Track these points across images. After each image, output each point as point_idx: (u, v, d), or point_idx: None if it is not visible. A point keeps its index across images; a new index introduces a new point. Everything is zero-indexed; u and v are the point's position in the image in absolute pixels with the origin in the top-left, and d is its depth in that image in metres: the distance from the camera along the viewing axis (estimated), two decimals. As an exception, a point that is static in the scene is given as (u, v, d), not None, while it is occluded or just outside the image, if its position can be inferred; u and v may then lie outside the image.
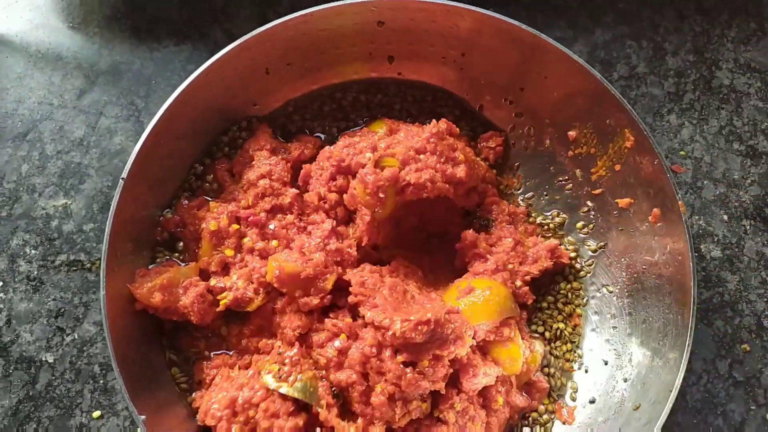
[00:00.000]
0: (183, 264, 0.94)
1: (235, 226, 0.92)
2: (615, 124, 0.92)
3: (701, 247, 1.07)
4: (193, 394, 0.89)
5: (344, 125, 1.07)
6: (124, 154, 1.07)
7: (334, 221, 0.93)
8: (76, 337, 0.98)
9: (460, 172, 0.91)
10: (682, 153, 1.12)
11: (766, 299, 1.04)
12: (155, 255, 0.94)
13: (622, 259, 0.96)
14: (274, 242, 0.91)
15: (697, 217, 1.09)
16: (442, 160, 0.91)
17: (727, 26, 1.20)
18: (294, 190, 0.96)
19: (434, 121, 0.95)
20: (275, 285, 0.86)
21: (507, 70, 0.99)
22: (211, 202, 0.96)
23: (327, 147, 0.99)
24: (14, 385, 0.96)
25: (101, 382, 0.96)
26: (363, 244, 0.93)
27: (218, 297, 0.88)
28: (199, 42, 1.15)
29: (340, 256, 0.90)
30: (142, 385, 0.82)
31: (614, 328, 0.95)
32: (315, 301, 0.86)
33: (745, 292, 1.04)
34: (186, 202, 0.96)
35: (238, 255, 0.92)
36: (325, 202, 0.95)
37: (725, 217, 1.09)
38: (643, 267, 0.93)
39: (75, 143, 1.08)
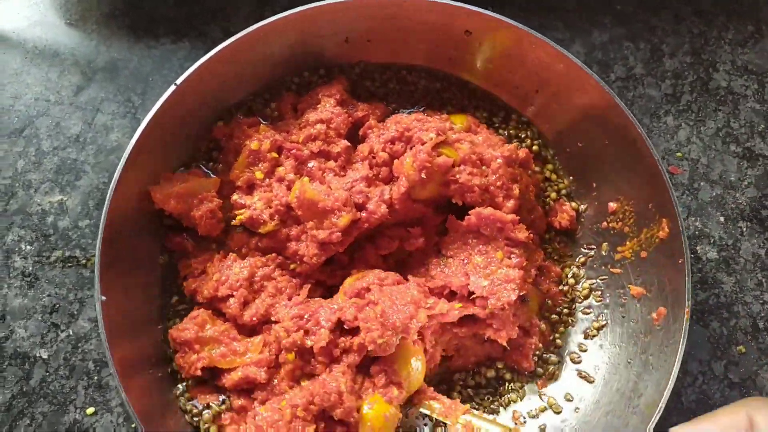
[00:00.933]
0: (211, 175, 0.97)
1: (274, 154, 0.94)
2: (656, 210, 0.89)
3: (697, 248, 1.07)
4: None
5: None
6: (120, 151, 1.07)
7: (371, 170, 0.93)
8: (71, 333, 0.98)
9: (508, 204, 0.91)
10: (678, 154, 1.12)
11: (761, 301, 1.04)
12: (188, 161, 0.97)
13: (617, 329, 0.96)
14: (305, 178, 0.92)
15: (693, 219, 1.09)
16: (498, 183, 0.91)
17: (724, 28, 1.20)
18: (346, 142, 0.96)
19: (515, 144, 0.97)
20: (294, 206, 0.88)
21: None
22: (262, 125, 0.98)
23: (398, 114, 1.00)
24: (8, 381, 0.96)
25: (95, 378, 0.96)
26: (390, 205, 0.92)
27: (236, 212, 0.92)
28: (197, 40, 1.15)
29: (364, 199, 0.90)
30: (138, 383, 0.81)
31: (605, 327, 0.97)
32: (323, 234, 0.87)
33: (741, 293, 1.04)
34: (241, 117, 0.99)
35: (267, 180, 0.94)
36: (374, 157, 0.94)
37: (721, 219, 1.09)
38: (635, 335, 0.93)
39: (71, 140, 1.08)
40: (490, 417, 0.86)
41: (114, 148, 1.08)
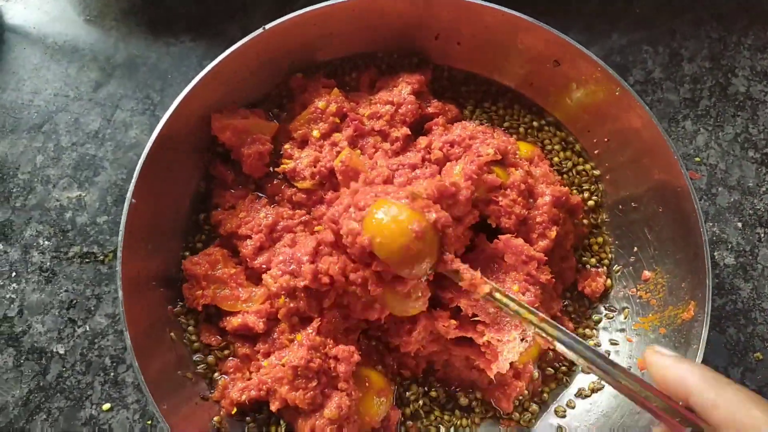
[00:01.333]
0: (272, 120, 1.00)
1: (337, 120, 0.96)
2: (688, 290, 0.88)
3: (715, 254, 1.07)
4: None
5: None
6: (139, 148, 1.07)
7: (421, 163, 0.93)
8: (88, 329, 0.98)
9: (541, 243, 0.89)
10: (697, 159, 1.12)
11: (779, 308, 1.04)
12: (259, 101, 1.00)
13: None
14: (357, 151, 0.93)
15: (711, 224, 1.08)
16: (539, 220, 0.90)
17: (743, 33, 1.20)
18: (406, 130, 0.96)
19: (568, 189, 0.96)
20: (337, 170, 0.90)
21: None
22: (335, 89, 0.98)
23: (465, 122, 1.01)
24: (25, 376, 0.96)
25: (112, 374, 0.96)
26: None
27: (282, 161, 0.96)
28: (216, 38, 1.15)
29: (405, 178, 0.89)
30: (160, 380, 0.81)
31: (600, 391, 0.95)
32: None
33: (759, 300, 1.04)
34: (322, 76, 1.01)
35: (322, 141, 0.96)
36: (429, 152, 0.94)
37: (739, 225, 1.08)
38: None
39: (90, 135, 1.09)
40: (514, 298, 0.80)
41: (132, 145, 1.08)
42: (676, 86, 1.16)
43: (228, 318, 0.90)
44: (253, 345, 0.90)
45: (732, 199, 1.10)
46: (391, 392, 0.90)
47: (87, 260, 1.02)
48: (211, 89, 0.90)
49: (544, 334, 0.72)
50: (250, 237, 0.92)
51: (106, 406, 0.95)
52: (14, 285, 1.00)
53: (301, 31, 0.94)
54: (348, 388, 0.82)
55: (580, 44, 0.92)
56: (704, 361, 0.99)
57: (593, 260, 1.01)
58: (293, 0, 1.16)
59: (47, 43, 1.14)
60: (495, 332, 0.83)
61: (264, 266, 0.90)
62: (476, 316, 0.84)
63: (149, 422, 0.94)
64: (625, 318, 0.97)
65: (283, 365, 0.81)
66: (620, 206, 1.00)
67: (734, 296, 1.04)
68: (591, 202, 1.02)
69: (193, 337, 0.91)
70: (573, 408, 0.94)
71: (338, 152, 0.93)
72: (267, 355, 0.87)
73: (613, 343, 0.96)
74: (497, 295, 0.78)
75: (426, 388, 0.95)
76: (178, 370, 0.87)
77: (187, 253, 0.94)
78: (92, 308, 0.99)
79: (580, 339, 0.70)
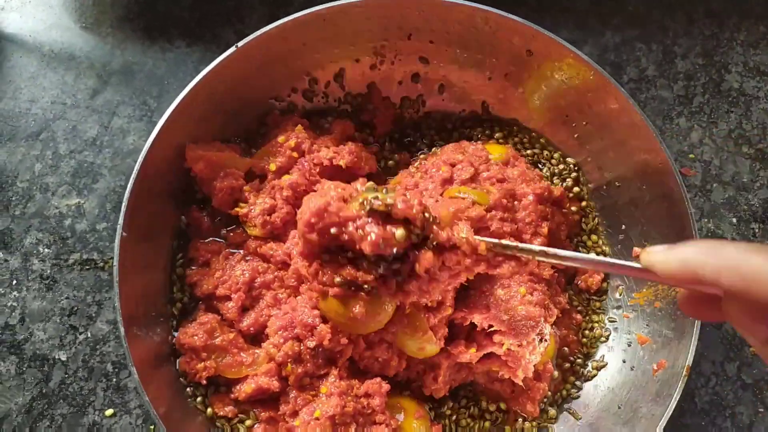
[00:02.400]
0: (246, 156, 0.98)
1: (295, 155, 0.95)
2: None
3: (710, 249, 1.07)
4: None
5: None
6: (137, 154, 1.06)
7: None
8: (89, 335, 0.99)
9: (536, 241, 0.89)
10: (691, 156, 1.13)
11: (774, 302, 1.04)
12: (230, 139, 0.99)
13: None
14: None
15: (706, 220, 1.09)
16: (528, 220, 0.90)
17: (736, 29, 1.21)
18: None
19: (548, 183, 0.96)
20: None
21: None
22: (300, 126, 0.97)
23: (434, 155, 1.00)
24: (28, 383, 0.97)
25: (114, 380, 0.97)
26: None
27: (239, 204, 0.94)
28: (212, 43, 1.16)
29: None
30: (156, 384, 0.82)
31: (604, 368, 0.97)
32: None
33: (754, 294, 1.05)
34: (298, 117, 1.01)
35: (273, 182, 0.94)
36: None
37: (734, 221, 1.09)
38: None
39: (88, 143, 1.09)
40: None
41: (130, 151, 1.09)
42: (669, 83, 1.17)
43: (239, 387, 0.87)
44: (274, 407, 0.87)
45: (727, 195, 1.11)
46: (427, 412, 0.90)
47: (87, 267, 1.02)
48: (183, 125, 0.89)
49: (554, 260, 0.70)
50: (230, 298, 0.89)
51: (109, 411, 0.96)
52: (15, 293, 1.01)
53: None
54: (386, 418, 0.82)
55: (572, 44, 0.92)
56: (701, 356, 1.01)
57: (591, 254, 1.01)
58: (288, 3, 1.17)
59: (43, 51, 1.15)
60: (513, 338, 0.84)
61: (252, 329, 0.88)
62: (492, 326, 0.85)
63: (152, 427, 0.95)
64: (620, 295, 0.98)
65: (318, 419, 0.80)
66: (605, 188, 1.00)
67: (730, 291, 1.05)
68: (576, 189, 1.02)
69: (209, 410, 0.88)
70: (580, 389, 0.96)
71: (293, 191, 0.91)
72: (294, 414, 0.84)
73: (611, 320, 0.98)
74: (497, 249, 0.74)
75: (458, 403, 0.96)
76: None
77: (174, 322, 0.92)
78: (93, 315, 1.00)
79: (581, 254, 0.69)
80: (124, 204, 0.82)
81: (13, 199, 1.06)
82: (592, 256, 0.66)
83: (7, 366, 0.97)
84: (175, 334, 0.89)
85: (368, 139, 1.06)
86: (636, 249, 0.86)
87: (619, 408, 0.90)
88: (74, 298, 1.01)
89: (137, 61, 1.14)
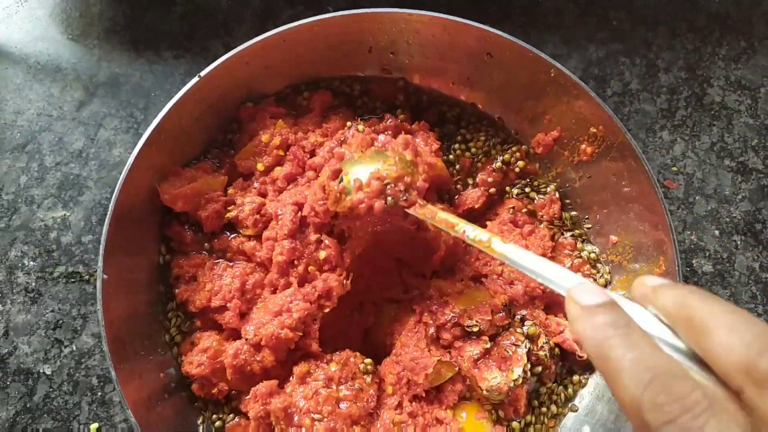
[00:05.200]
0: (218, 168, 0.98)
1: (281, 152, 0.96)
2: (654, 247, 0.89)
3: (693, 261, 1.09)
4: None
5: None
6: (123, 166, 1.07)
7: None
8: (74, 348, 0.99)
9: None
10: (674, 169, 1.14)
11: (756, 313, 1.06)
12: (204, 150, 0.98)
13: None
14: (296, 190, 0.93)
15: (689, 233, 1.11)
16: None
17: (718, 44, 1.23)
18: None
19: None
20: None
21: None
22: (280, 121, 0.98)
23: None
24: (11, 397, 0.96)
25: (99, 394, 0.97)
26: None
27: (228, 208, 0.94)
28: (199, 55, 1.16)
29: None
30: (141, 396, 0.82)
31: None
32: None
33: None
34: (272, 101, 1.00)
35: (262, 178, 0.95)
36: None
37: (716, 233, 1.11)
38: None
39: (74, 155, 1.09)
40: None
41: (117, 164, 1.08)
42: (652, 97, 1.19)
43: (247, 401, 0.86)
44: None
45: (709, 208, 1.12)
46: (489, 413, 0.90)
47: (72, 280, 1.02)
48: (153, 154, 0.88)
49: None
50: (226, 308, 0.89)
51: (94, 426, 0.95)
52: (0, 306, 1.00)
53: (242, 68, 0.92)
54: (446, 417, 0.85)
55: (558, 58, 0.93)
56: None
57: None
58: (275, 16, 1.17)
59: (30, 63, 1.15)
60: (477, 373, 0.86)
61: (262, 340, 0.85)
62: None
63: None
64: (604, 286, 0.98)
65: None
66: (572, 175, 1.01)
67: (712, 303, 1.06)
68: (521, 163, 1.03)
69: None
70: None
71: (278, 188, 0.93)
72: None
73: None
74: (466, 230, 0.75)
75: None
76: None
77: (175, 349, 0.92)
78: (78, 328, 1.00)
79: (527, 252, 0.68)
80: (107, 219, 0.81)
81: (-2, 211, 1.05)
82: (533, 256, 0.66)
83: (-9, 380, 0.97)
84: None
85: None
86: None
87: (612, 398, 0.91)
88: (59, 311, 1.00)
89: (124, 73, 1.14)
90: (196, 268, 0.93)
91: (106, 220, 0.81)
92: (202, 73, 0.87)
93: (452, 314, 0.87)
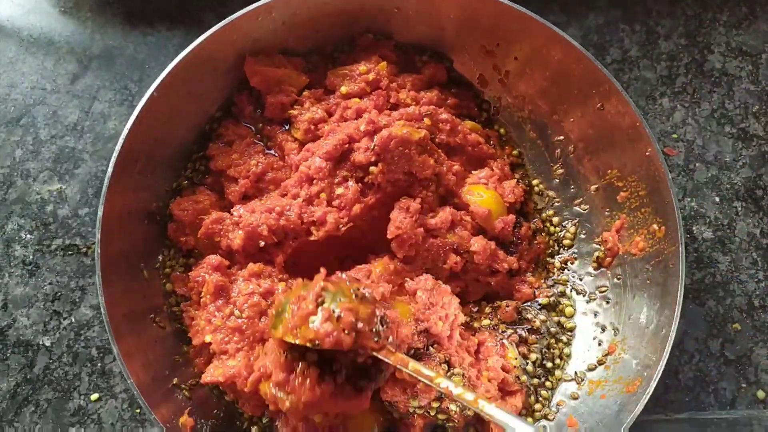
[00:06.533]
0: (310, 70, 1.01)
1: (368, 89, 0.98)
2: (653, 213, 0.90)
3: (693, 228, 1.08)
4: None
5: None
6: (118, 139, 1.06)
7: None
8: (73, 320, 0.99)
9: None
10: (674, 136, 1.13)
11: (756, 279, 1.05)
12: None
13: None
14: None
15: (689, 199, 1.10)
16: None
17: (719, 10, 1.21)
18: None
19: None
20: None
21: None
22: (384, 63, 0.99)
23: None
24: (12, 369, 0.96)
25: (99, 365, 0.97)
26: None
27: (294, 106, 0.98)
28: (193, 27, 1.15)
29: None
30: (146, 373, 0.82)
31: (601, 307, 0.97)
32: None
33: (737, 272, 1.06)
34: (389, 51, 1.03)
35: (339, 101, 0.97)
36: None
37: (717, 199, 1.10)
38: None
39: (69, 128, 1.08)
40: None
41: (112, 136, 1.08)
42: (652, 64, 1.17)
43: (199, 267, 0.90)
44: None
45: (709, 174, 1.11)
46: None
47: (70, 252, 1.02)
48: (148, 126, 0.87)
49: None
50: (236, 181, 0.94)
51: (95, 396, 0.95)
52: (-3, 279, 1.00)
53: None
54: None
55: (557, 25, 0.92)
56: (685, 334, 1.01)
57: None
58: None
59: (22, 36, 1.13)
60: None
61: (241, 219, 0.90)
62: None
63: (138, 410, 0.95)
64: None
65: None
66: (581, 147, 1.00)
67: (713, 269, 1.06)
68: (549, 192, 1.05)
69: (167, 285, 0.93)
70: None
71: (344, 117, 0.94)
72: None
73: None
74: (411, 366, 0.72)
75: None
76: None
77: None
78: (77, 300, 0.99)
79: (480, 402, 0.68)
80: (104, 190, 0.81)
81: (-6, 185, 1.05)
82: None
83: (-9, 352, 0.97)
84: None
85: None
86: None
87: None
88: (57, 283, 1.00)
89: (118, 46, 1.13)
90: (238, 137, 0.97)
91: (102, 192, 0.81)
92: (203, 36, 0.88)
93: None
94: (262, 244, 0.89)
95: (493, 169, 1.00)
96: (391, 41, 1.03)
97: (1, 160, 1.06)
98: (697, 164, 1.12)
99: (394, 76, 1.01)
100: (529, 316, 0.96)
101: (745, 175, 1.11)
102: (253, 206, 0.91)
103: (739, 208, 1.10)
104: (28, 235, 1.02)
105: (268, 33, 0.94)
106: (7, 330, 0.98)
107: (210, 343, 0.85)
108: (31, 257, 1.01)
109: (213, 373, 0.83)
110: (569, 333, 0.98)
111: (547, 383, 0.94)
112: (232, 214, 0.91)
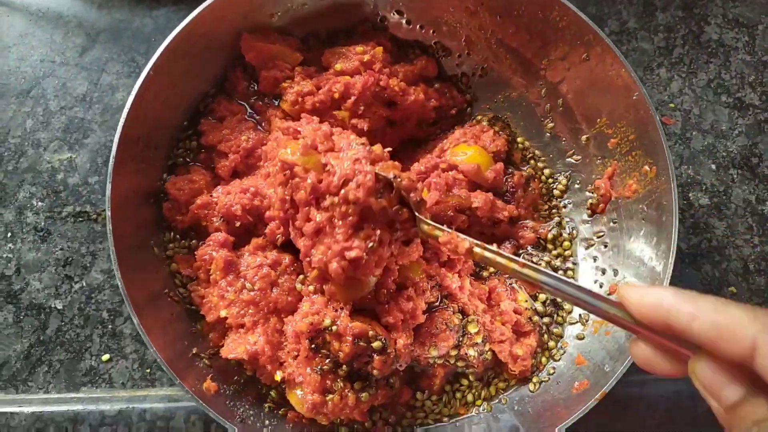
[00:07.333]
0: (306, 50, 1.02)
1: (361, 69, 0.98)
2: (643, 156, 0.91)
3: (690, 195, 1.10)
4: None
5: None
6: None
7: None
8: (84, 284, 1.01)
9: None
10: (671, 105, 1.15)
11: (752, 244, 1.08)
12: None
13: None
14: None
15: (686, 167, 1.12)
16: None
17: (715, -18, 1.23)
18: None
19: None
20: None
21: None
22: (380, 48, 0.99)
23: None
24: (25, 331, 0.99)
25: (109, 327, 0.99)
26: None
27: (285, 81, 0.99)
28: (197, 2, 1.16)
29: None
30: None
31: (599, 251, 0.99)
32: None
33: (732, 237, 1.08)
34: (386, 40, 1.03)
35: (332, 77, 0.98)
36: None
37: (713, 167, 1.12)
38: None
39: (78, 99, 1.11)
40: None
41: (120, 107, 1.10)
42: (650, 35, 1.19)
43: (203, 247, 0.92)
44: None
45: (706, 143, 1.13)
46: None
47: (80, 219, 1.04)
48: (169, 76, 0.90)
49: (529, 279, 0.69)
50: (227, 157, 0.95)
51: (105, 356, 0.98)
52: (10, 245, 1.03)
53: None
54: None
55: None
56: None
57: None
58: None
59: (31, 11, 1.16)
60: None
61: (227, 203, 0.90)
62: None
63: (148, 370, 0.98)
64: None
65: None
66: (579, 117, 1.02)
67: (709, 235, 1.08)
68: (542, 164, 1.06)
69: (172, 266, 0.93)
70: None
71: (331, 92, 0.95)
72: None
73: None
74: (477, 250, 0.74)
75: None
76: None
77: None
78: (88, 265, 1.02)
79: (562, 277, 0.67)
80: (111, 158, 0.83)
81: (6, 154, 1.07)
82: (570, 281, 0.65)
83: (5, 315, 1.00)
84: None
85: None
86: (613, 284, 0.90)
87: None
88: (68, 249, 1.03)
89: (124, 19, 1.16)
90: (230, 113, 0.98)
91: (110, 161, 0.83)
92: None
93: None
94: (237, 224, 0.90)
95: (464, 126, 1.03)
96: (388, 31, 1.04)
97: (12, 130, 1.08)
98: (693, 133, 1.14)
99: (388, 64, 1.01)
100: (534, 259, 0.99)
101: (740, 143, 1.13)
102: (230, 188, 0.92)
103: (735, 176, 1.12)
104: (40, 203, 1.05)
105: (265, 17, 0.96)
106: (21, 294, 1.01)
107: (225, 318, 0.87)
108: (42, 224, 1.04)
109: (235, 350, 0.84)
110: (572, 266, 1.01)
111: (558, 318, 0.97)
112: (211, 196, 0.92)
